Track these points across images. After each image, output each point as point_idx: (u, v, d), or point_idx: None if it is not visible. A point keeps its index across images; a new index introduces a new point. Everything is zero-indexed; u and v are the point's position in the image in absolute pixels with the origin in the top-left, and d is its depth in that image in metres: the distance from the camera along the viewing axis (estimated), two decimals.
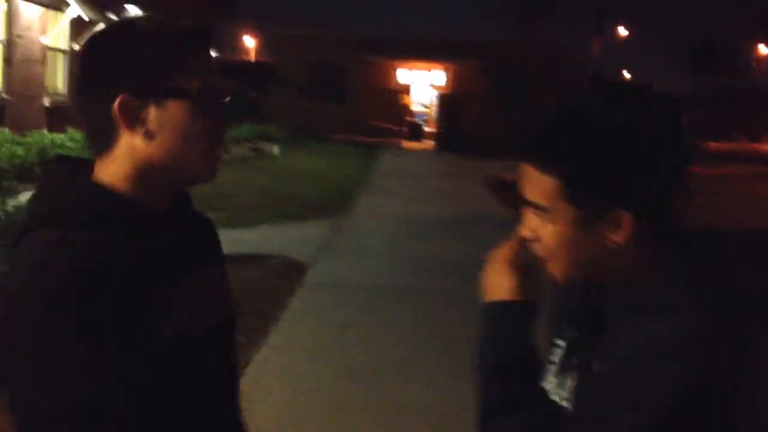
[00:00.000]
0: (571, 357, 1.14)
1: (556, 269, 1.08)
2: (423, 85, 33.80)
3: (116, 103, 1.04)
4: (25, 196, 6.68)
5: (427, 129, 32.10)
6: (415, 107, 33.98)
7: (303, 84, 30.82)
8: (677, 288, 1.00)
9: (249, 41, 31.73)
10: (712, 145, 37.03)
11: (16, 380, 0.98)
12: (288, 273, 6.97)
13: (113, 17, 17.17)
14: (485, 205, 13.25)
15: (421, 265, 7.81)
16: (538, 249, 1.08)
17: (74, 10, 15.21)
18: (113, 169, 1.08)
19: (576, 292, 1.15)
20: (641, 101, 1.01)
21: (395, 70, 32.76)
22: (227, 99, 1.13)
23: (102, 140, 1.08)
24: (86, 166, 1.12)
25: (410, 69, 33.19)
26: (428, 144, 29.54)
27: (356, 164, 18.20)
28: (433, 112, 32.77)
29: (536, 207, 1.05)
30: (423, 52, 31.42)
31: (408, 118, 32.04)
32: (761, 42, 62.53)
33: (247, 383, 4.31)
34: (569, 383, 1.12)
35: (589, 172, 0.99)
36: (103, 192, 1.08)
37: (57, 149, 10.93)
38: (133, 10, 18.25)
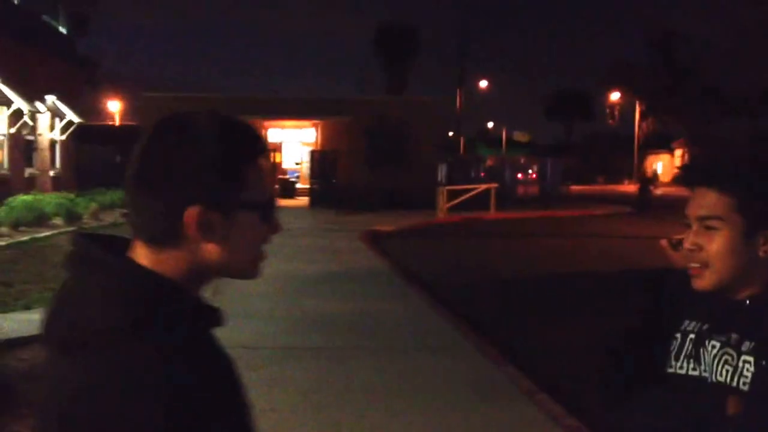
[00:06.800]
0: (699, 346, 1.47)
1: (710, 276, 1.40)
2: (294, 143, 34.18)
3: (187, 214, 1.02)
4: None
5: (299, 186, 32.28)
6: (287, 165, 34.25)
7: None
8: None
9: (113, 106, 30.97)
10: (573, 188, 40.03)
11: None
12: None
13: None
14: (361, 259, 13.58)
15: (306, 323, 7.95)
16: (700, 257, 1.41)
17: None
18: (172, 265, 1.05)
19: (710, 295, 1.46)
20: None
21: (266, 129, 32.92)
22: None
23: (161, 238, 1.04)
24: (122, 250, 1.07)
25: (281, 128, 33.52)
26: (302, 201, 29.73)
27: None
28: (305, 169, 33.03)
29: (713, 218, 1.39)
30: (293, 111, 31.75)
31: (280, 176, 32.12)
32: (613, 89, 66.62)
33: None
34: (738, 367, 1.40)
35: (759, 193, 1.38)
36: (177, 290, 1.04)
37: None
38: None
